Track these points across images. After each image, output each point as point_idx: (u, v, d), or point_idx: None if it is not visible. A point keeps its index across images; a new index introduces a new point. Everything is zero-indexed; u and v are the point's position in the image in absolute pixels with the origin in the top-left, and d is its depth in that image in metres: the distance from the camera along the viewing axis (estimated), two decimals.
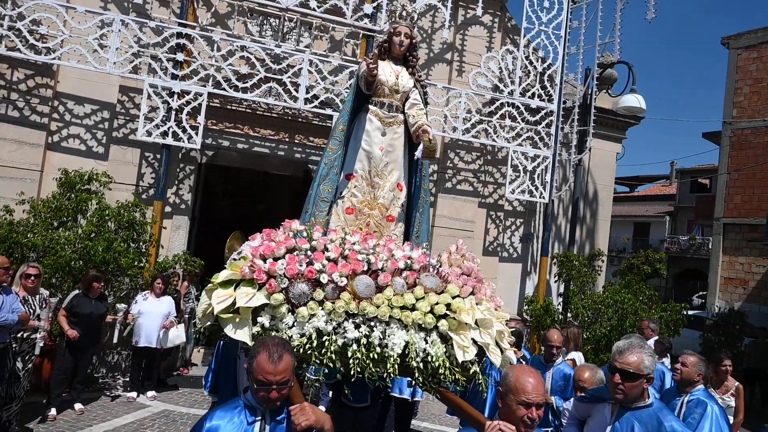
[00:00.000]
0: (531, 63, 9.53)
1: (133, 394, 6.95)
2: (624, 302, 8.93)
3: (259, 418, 2.19)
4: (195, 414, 6.66)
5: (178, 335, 7.32)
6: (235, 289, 2.72)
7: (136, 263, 7.31)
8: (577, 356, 6.07)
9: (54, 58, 7.40)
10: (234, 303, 2.65)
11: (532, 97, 9.48)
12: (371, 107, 3.57)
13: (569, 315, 9.46)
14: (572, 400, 3.51)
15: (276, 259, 2.75)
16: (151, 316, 6.88)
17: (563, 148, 10.15)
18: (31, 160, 7.68)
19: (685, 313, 9.46)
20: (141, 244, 7.58)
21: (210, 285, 2.86)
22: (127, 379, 7.49)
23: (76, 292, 6.18)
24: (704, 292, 21.38)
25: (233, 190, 14.25)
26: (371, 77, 3.37)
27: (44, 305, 5.62)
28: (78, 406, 6.26)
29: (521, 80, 9.38)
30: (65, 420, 6.00)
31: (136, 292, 7.46)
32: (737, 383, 5.55)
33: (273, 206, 14.36)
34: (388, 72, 3.57)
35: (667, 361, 6.44)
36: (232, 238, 4.39)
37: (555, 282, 10.30)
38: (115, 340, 6.84)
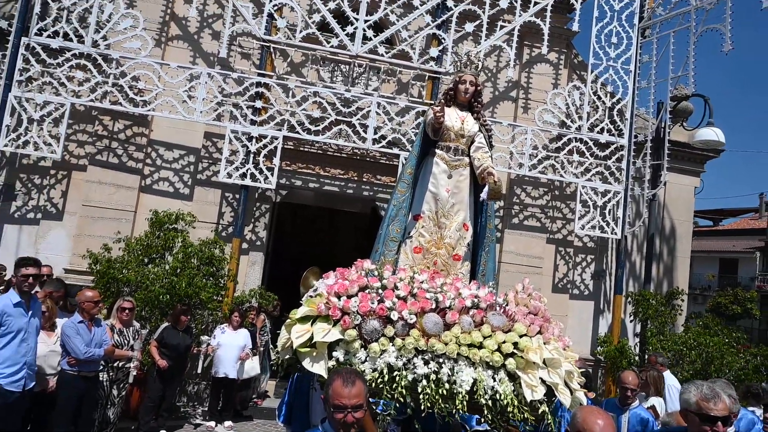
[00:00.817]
0: (599, 98, 9.44)
1: (212, 423, 7.29)
2: (708, 345, 8.39)
3: None
4: None
5: (253, 366, 7.65)
6: (312, 324, 2.93)
7: (215, 297, 7.76)
8: (658, 402, 5.77)
9: (149, 110, 8.19)
10: (311, 338, 2.84)
11: (601, 132, 9.35)
12: (438, 151, 3.75)
13: (647, 357, 8.99)
14: None
15: (350, 297, 2.94)
16: (229, 348, 7.26)
17: (636, 183, 9.87)
18: (126, 201, 8.43)
19: None
20: (219, 279, 8.05)
21: (288, 320, 3.08)
22: (206, 408, 7.87)
23: (166, 324, 6.67)
24: None
25: (301, 225, 14.79)
26: (438, 125, 3.57)
27: (137, 336, 6.11)
28: None
29: (589, 115, 9.30)
30: None
31: (215, 324, 7.91)
32: None
33: (338, 241, 14.78)
34: (453, 118, 3.75)
35: (759, 411, 5.98)
36: (309, 273, 4.64)
37: (630, 321, 9.86)
38: (199, 371, 7.26)
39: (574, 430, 2.33)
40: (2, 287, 6.21)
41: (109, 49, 8.10)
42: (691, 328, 9.22)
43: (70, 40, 7.97)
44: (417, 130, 8.82)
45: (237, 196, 8.66)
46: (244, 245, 8.77)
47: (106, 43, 8.09)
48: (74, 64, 8.00)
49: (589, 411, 2.40)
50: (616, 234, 9.27)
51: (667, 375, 6.51)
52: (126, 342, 5.83)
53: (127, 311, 5.85)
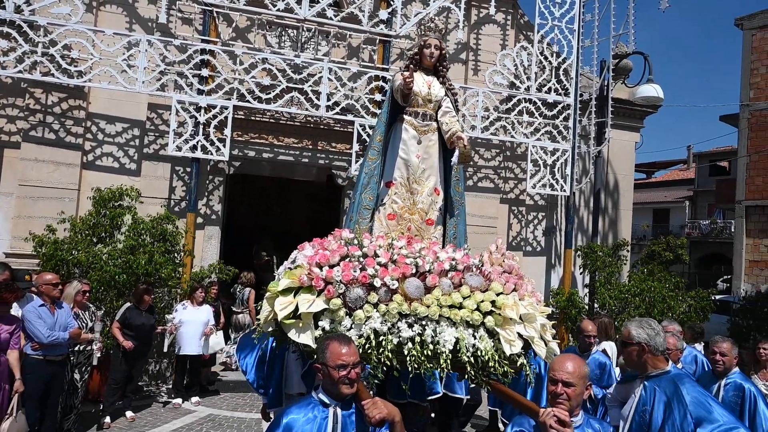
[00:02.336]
0: (546, 58, 9.62)
1: (179, 400, 7.22)
2: (651, 290, 8.99)
3: (332, 411, 2.40)
4: (239, 417, 6.91)
5: (217, 342, 7.59)
6: (295, 296, 2.92)
7: (174, 274, 7.56)
8: (609, 346, 6.16)
9: (85, 81, 7.69)
10: (296, 309, 2.84)
11: (549, 91, 9.58)
12: (406, 117, 3.75)
13: (596, 306, 9.55)
14: (614, 384, 3.69)
15: (332, 267, 2.94)
16: (192, 325, 7.14)
17: (582, 141, 10.23)
18: (68, 179, 7.99)
19: (713, 298, 9.47)
20: (175, 255, 7.82)
21: (269, 293, 3.06)
22: (170, 386, 7.77)
23: (128, 305, 6.47)
24: (728, 276, 21.21)
25: (252, 194, 14.51)
26: (408, 90, 3.55)
27: (94, 318, 5.91)
28: (129, 413, 6.54)
29: (537, 76, 9.49)
30: (118, 427, 6.29)
31: (173, 302, 7.73)
32: None
33: (291, 210, 14.63)
34: (420, 83, 3.74)
35: (699, 346, 6.52)
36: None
37: (580, 273, 10.38)
38: (165, 349, 7.15)
39: (551, 374, 2.59)
40: None
41: (34, 15, 7.49)
42: (634, 275, 9.81)
43: None
44: (371, 96, 8.76)
45: (188, 169, 8.36)
46: (199, 219, 8.54)
47: (30, 9, 7.46)
48: None
49: (562, 356, 2.71)
50: (565, 191, 9.64)
51: None
52: (85, 325, 5.63)
53: (87, 294, 5.64)
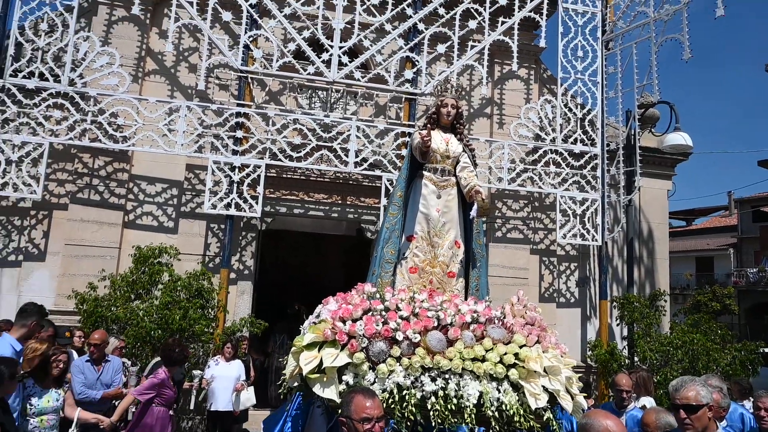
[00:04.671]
0: (570, 110, 9.74)
1: None
2: (694, 343, 8.62)
3: None
4: None
5: (248, 397, 7.57)
6: (319, 350, 2.98)
7: (207, 329, 7.70)
8: (648, 402, 5.91)
9: (129, 145, 8.19)
10: (320, 363, 2.90)
11: (575, 142, 9.64)
12: (425, 173, 3.89)
13: (636, 359, 9.19)
14: None
15: (354, 321, 3.01)
16: (223, 380, 7.19)
17: (611, 190, 10.16)
18: (110, 238, 8.37)
19: (763, 350, 9.00)
20: (209, 310, 8.00)
21: (294, 348, 3.14)
22: None
23: (157, 359, 6.58)
24: None
25: (284, 249, 14.73)
26: (426, 148, 3.70)
27: (128, 373, 6.05)
28: None
29: (562, 127, 9.59)
30: None
31: (206, 357, 7.83)
32: None
33: (324, 266, 14.74)
34: (438, 140, 3.90)
35: (748, 404, 6.17)
36: None
37: (617, 325, 10.06)
38: (191, 406, 7.17)
39: None
40: None
41: (86, 86, 8.11)
42: (676, 327, 9.45)
43: (46, 79, 7.96)
44: (397, 151, 9.01)
45: (222, 226, 8.66)
46: (232, 275, 8.74)
47: (82, 81, 8.10)
48: (51, 103, 7.98)
49: (604, 416, 2.49)
50: (596, 240, 9.51)
51: None
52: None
53: (123, 350, 5.80)
